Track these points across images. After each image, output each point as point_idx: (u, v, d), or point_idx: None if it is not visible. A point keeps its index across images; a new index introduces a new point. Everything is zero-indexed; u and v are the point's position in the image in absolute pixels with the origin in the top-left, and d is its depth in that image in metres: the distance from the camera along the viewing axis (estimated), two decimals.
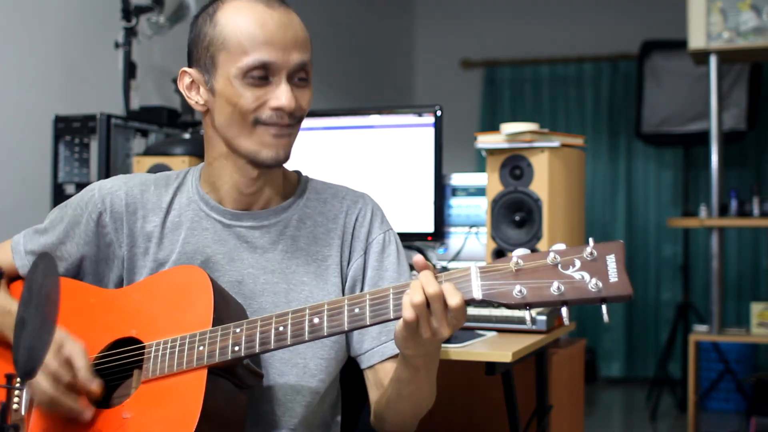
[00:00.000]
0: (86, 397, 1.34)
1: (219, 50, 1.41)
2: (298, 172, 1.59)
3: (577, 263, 1.17)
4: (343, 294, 1.51)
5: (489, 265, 1.21)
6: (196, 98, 1.46)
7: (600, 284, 1.15)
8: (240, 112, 1.40)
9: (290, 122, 1.42)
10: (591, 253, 1.17)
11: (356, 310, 1.26)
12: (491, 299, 1.19)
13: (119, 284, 1.53)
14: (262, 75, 1.39)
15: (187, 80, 1.47)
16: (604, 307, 1.16)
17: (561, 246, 1.19)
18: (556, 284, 1.16)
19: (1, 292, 1.48)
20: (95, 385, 1.34)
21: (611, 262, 1.16)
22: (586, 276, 1.16)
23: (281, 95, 1.39)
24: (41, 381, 1.32)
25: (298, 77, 1.42)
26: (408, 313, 1.20)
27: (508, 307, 1.19)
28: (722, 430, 4.68)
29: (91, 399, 1.35)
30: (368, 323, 1.25)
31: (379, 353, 1.48)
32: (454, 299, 1.19)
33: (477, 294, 1.20)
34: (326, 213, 1.53)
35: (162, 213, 1.52)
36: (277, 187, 1.51)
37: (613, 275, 1.15)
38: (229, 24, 1.40)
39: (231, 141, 1.44)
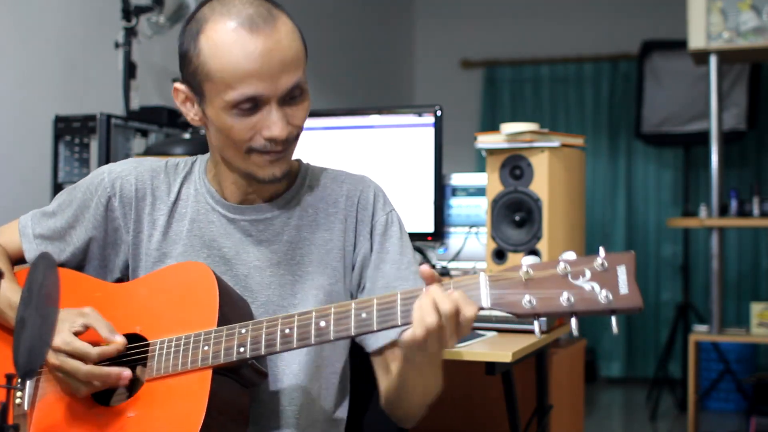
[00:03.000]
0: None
1: (204, 80, 1.36)
2: (298, 160, 1.57)
3: (588, 273, 1.15)
4: (348, 280, 1.50)
5: (498, 274, 1.20)
6: (192, 114, 1.44)
7: (610, 296, 1.13)
8: (232, 141, 1.37)
9: (285, 147, 1.38)
10: (602, 264, 1.15)
11: (363, 315, 1.25)
12: (500, 309, 1.18)
13: (125, 270, 1.53)
14: (251, 106, 1.34)
15: (180, 96, 1.45)
16: (613, 319, 1.14)
17: (571, 255, 1.17)
18: (566, 295, 1.14)
19: (9, 284, 1.47)
20: (119, 339, 1.35)
21: (622, 273, 1.14)
22: (596, 287, 1.14)
23: (273, 125, 1.34)
24: (82, 349, 1.32)
25: (291, 96, 1.36)
26: (419, 331, 1.19)
27: (517, 316, 1.17)
28: (722, 430, 4.68)
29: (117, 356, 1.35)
30: (375, 329, 1.25)
31: (385, 336, 1.46)
32: (470, 310, 1.18)
33: (486, 302, 1.19)
34: (326, 198, 1.52)
35: (170, 202, 1.51)
36: None
37: (623, 287, 1.13)
38: (211, 55, 1.34)
39: (227, 161, 1.44)
